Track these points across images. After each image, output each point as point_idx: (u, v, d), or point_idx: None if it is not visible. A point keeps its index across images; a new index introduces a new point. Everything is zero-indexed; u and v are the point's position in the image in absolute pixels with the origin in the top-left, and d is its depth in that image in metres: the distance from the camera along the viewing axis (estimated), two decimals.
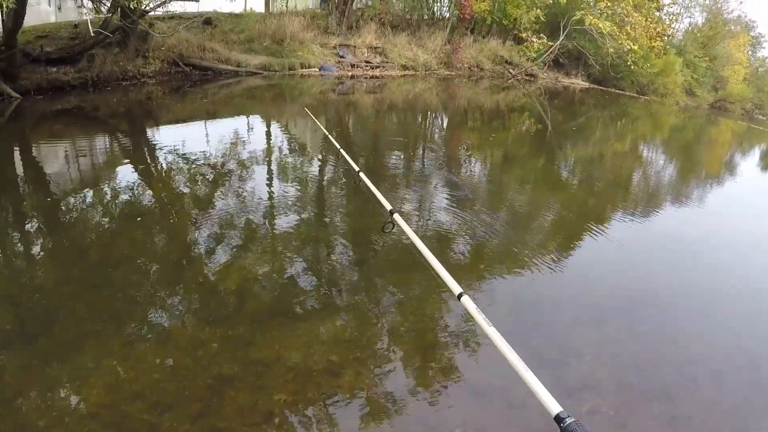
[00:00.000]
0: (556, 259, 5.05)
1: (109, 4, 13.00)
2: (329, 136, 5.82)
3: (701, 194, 8.93)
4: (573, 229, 6.05)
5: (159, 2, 13.97)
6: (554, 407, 1.52)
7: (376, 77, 19.72)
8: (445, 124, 13.92)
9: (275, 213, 5.44)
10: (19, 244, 4.40)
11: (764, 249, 6.40)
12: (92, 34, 11.83)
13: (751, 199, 9.60)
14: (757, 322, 4.37)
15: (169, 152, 7.51)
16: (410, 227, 2.83)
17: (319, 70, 18.34)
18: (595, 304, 4.31)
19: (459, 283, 2.28)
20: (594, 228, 6.05)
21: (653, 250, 5.80)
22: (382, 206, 3.23)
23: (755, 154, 17.16)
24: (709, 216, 7.42)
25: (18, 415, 2.57)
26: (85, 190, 5.79)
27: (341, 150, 4.79)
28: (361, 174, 3.99)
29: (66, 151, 7.50)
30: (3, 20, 10.23)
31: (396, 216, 3.01)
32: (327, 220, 5.51)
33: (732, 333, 4.15)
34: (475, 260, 4.84)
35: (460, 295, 2.17)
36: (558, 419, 1.50)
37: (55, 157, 7.16)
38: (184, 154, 7.33)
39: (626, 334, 3.92)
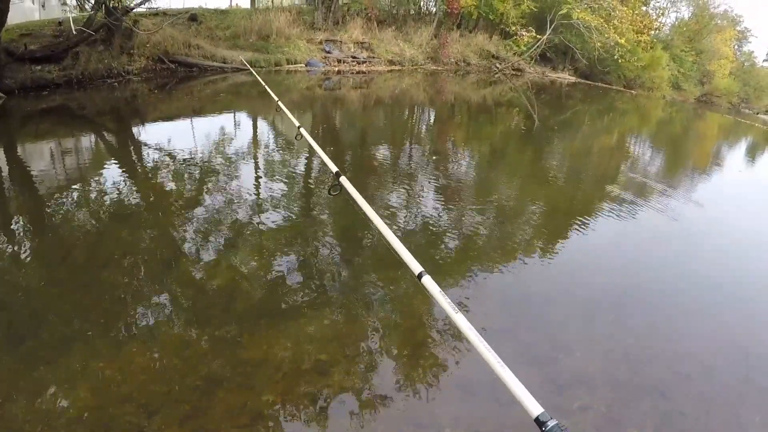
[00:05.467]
0: (546, 253, 5.07)
1: (93, 1, 12.88)
2: (269, 91, 5.78)
3: (691, 188, 8.98)
4: (562, 224, 6.06)
5: None
6: (534, 409, 1.37)
7: (363, 72, 19.67)
8: (432, 120, 13.90)
9: (261, 210, 5.41)
10: (4, 245, 4.35)
11: (756, 242, 6.45)
12: (74, 32, 11.71)
13: (740, 191, 9.68)
14: (749, 317, 4.41)
15: (156, 150, 7.45)
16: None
17: (306, 65, 18.27)
18: (586, 299, 4.33)
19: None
20: (584, 222, 6.08)
21: (644, 244, 5.83)
22: (327, 168, 3.17)
23: (742, 147, 17.29)
24: (699, 210, 7.46)
25: (4, 419, 2.54)
26: (72, 190, 5.72)
27: (282, 107, 4.73)
28: (302, 129, 3.91)
29: (52, 150, 7.42)
30: None
31: (342, 179, 2.93)
32: (314, 216, 5.50)
33: (724, 328, 4.18)
34: (463, 255, 4.84)
35: (420, 275, 1.95)
36: (539, 422, 1.34)
37: (41, 156, 7.08)
38: (171, 152, 7.28)
39: (617, 329, 3.93)
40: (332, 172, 2.97)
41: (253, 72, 8.37)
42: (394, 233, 2.52)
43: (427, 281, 1.91)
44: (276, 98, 5.10)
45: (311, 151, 8.07)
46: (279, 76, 16.53)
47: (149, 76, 13.86)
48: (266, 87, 5.94)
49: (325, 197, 6.13)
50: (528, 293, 4.35)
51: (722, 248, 6.04)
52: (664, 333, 3.96)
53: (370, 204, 2.73)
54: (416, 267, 2.02)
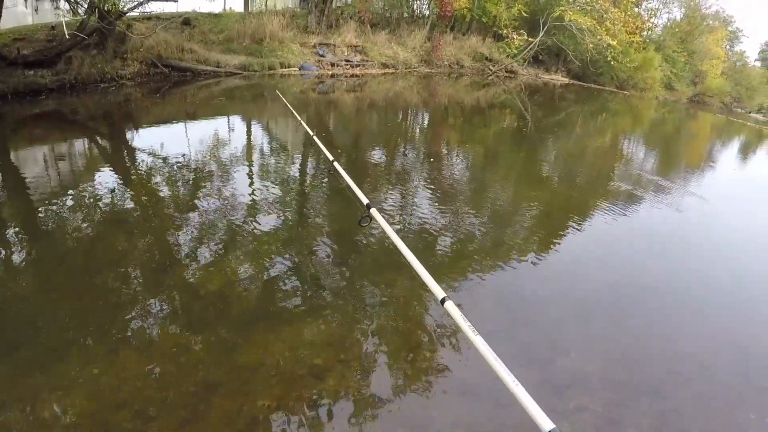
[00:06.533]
0: (543, 254, 5.07)
1: (86, 6, 12.83)
2: (303, 123, 5.83)
3: (686, 186, 8.99)
4: (559, 224, 6.07)
5: (136, 3, 13.82)
6: (546, 424, 1.41)
7: (357, 76, 19.67)
8: (426, 122, 13.92)
9: (257, 214, 5.39)
10: None
11: (753, 241, 6.47)
12: (67, 37, 11.66)
13: (736, 191, 9.72)
14: (749, 317, 4.41)
15: (150, 155, 7.42)
16: (390, 225, 2.78)
17: (300, 69, 18.25)
18: (582, 300, 4.33)
19: (443, 283, 2.21)
20: (579, 222, 6.08)
21: (640, 244, 5.84)
22: (358, 199, 3.20)
23: (735, 146, 17.37)
24: (697, 210, 7.48)
25: (0, 427, 2.53)
26: (66, 195, 5.69)
27: (314, 137, 4.76)
28: (336, 164, 3.93)
29: (45, 155, 7.38)
30: None
31: (373, 210, 2.94)
32: (310, 220, 5.48)
33: (722, 327, 4.19)
34: (460, 257, 4.84)
35: (443, 300, 2.06)
36: None
37: (35, 162, 7.04)
38: (165, 157, 7.25)
39: (614, 329, 3.94)
40: (363, 204, 3.01)
41: (286, 102, 8.36)
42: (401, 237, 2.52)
43: (450, 306, 2.02)
44: (312, 132, 5.16)
45: (305, 155, 8.07)
46: (273, 79, 16.50)
47: (143, 81, 13.81)
48: (302, 122, 6.02)
49: (322, 200, 6.12)
50: (525, 293, 4.35)
51: (721, 248, 6.06)
52: (662, 333, 3.97)
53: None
54: (440, 293, 2.12)
